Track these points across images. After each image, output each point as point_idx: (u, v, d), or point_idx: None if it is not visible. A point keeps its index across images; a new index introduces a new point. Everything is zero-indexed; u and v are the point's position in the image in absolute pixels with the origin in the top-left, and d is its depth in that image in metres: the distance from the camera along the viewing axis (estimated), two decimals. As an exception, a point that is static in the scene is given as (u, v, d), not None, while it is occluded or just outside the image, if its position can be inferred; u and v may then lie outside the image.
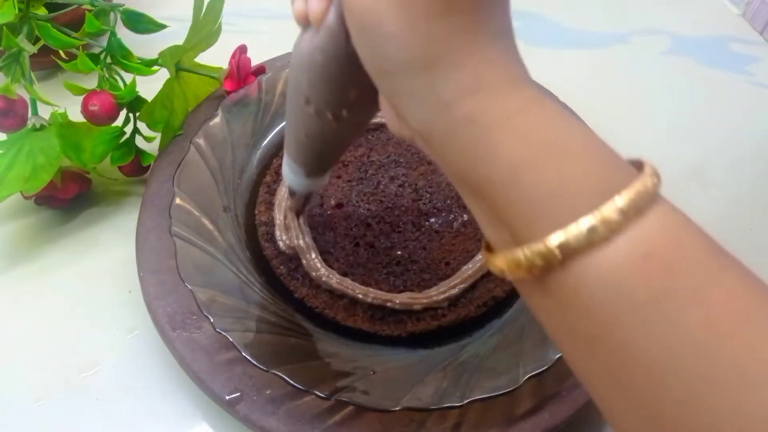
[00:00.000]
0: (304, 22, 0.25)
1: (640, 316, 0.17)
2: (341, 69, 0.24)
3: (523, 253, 0.19)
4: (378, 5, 0.20)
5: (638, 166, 0.19)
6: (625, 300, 0.17)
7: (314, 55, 0.24)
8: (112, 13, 0.42)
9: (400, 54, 0.20)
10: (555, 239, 0.18)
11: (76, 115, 0.42)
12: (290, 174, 0.33)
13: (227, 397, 0.32)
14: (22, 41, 0.39)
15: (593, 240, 0.18)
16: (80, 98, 0.41)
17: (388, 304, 0.37)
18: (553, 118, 0.20)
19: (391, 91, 0.21)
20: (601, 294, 0.18)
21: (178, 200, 0.40)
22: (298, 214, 0.38)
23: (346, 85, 0.24)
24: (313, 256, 0.39)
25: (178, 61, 0.43)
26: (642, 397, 0.18)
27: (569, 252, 0.18)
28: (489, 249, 0.22)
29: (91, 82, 0.42)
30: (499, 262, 0.20)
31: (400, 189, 0.43)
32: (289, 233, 0.39)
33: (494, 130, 0.19)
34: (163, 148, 0.43)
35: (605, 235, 0.18)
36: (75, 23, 0.43)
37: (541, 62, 0.55)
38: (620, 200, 0.18)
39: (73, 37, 0.41)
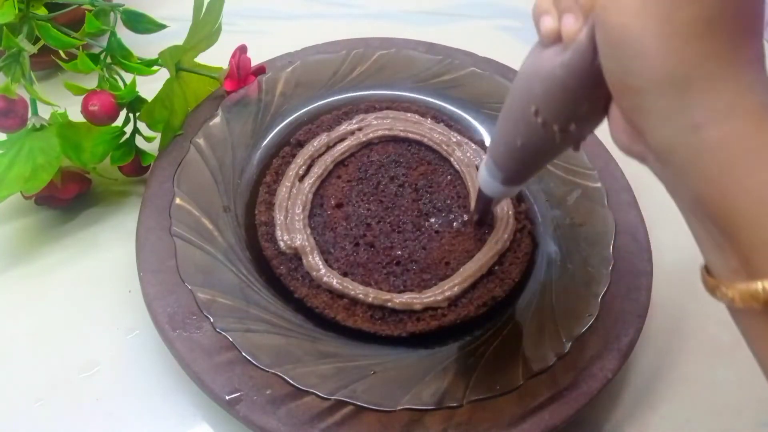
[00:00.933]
0: (554, 41, 0.25)
1: None
2: (581, 85, 0.24)
3: (762, 285, 0.19)
4: (635, 21, 0.20)
5: None
6: None
7: (557, 70, 0.24)
8: (112, 13, 0.42)
9: (653, 72, 0.20)
10: None
11: (76, 115, 0.42)
12: (487, 177, 0.33)
13: (227, 397, 0.33)
14: (22, 41, 0.39)
15: None
16: (80, 98, 0.41)
17: (388, 304, 0.37)
18: None
19: (634, 108, 0.21)
20: None
21: (178, 200, 0.40)
22: (479, 221, 0.38)
23: (581, 102, 0.25)
24: (313, 256, 0.39)
25: (178, 61, 0.43)
26: None
27: None
28: (709, 274, 0.22)
29: (91, 82, 0.42)
30: (730, 292, 0.20)
31: (400, 189, 0.43)
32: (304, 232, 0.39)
33: (745, 159, 0.19)
34: (163, 148, 0.43)
35: None
36: (75, 23, 0.43)
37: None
38: None
39: (73, 37, 0.41)
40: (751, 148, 0.19)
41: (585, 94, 0.24)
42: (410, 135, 0.45)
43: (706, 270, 0.22)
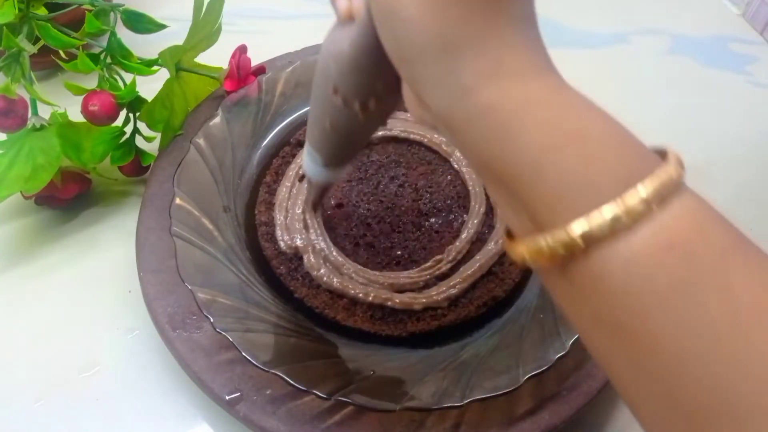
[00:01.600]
0: (348, 19, 0.25)
1: (662, 304, 0.17)
2: (370, 60, 0.24)
3: (545, 241, 0.19)
4: None
5: (662, 154, 0.19)
6: (648, 288, 0.17)
7: (345, 46, 0.25)
8: (112, 13, 0.42)
9: (419, 38, 0.20)
10: (578, 228, 0.18)
11: (76, 115, 0.42)
12: (309, 163, 0.33)
13: (227, 397, 0.32)
14: (22, 41, 0.39)
15: (616, 229, 0.18)
16: (80, 98, 0.41)
17: (389, 303, 0.37)
18: (576, 106, 0.20)
19: (412, 77, 0.21)
20: (623, 282, 0.18)
21: (178, 200, 0.40)
22: (314, 207, 0.38)
23: (374, 76, 0.25)
24: (313, 256, 0.39)
25: (178, 61, 0.43)
26: (663, 382, 0.18)
27: (592, 241, 0.18)
28: (510, 236, 0.22)
29: (91, 82, 0.42)
30: (521, 250, 0.20)
31: (400, 189, 0.43)
32: (304, 230, 0.39)
33: (515, 117, 0.19)
34: (163, 148, 0.43)
35: (628, 224, 0.18)
36: (75, 23, 0.43)
37: (541, 62, 0.55)
38: (643, 189, 0.18)
39: (73, 37, 0.41)
40: (518, 106, 0.19)
41: (375, 70, 0.24)
42: (411, 135, 0.45)
43: (507, 234, 0.22)
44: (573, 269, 0.19)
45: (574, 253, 0.18)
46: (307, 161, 0.33)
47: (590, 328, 0.20)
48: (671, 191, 0.18)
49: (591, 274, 0.18)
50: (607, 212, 0.18)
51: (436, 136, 0.46)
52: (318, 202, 0.38)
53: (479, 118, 0.20)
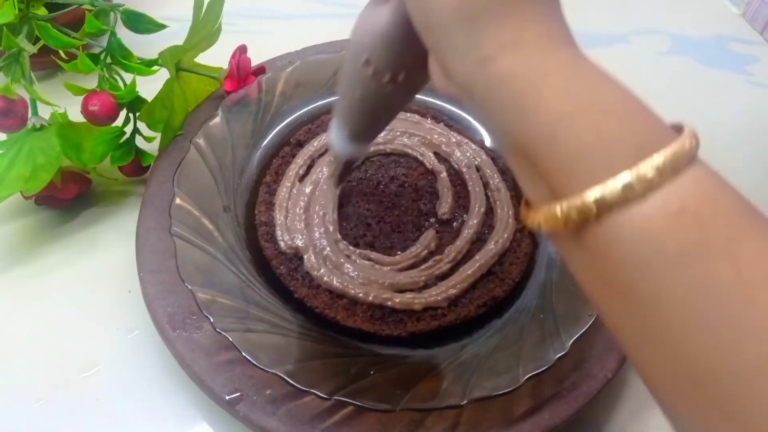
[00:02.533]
0: None
1: (670, 269, 0.18)
2: (402, 34, 0.25)
3: (560, 207, 0.19)
4: None
5: (678, 129, 0.20)
6: (657, 253, 0.18)
7: (381, 20, 0.26)
8: (112, 13, 0.42)
9: (443, 9, 0.21)
10: (591, 194, 0.18)
11: (76, 115, 0.42)
12: (336, 136, 0.34)
13: (227, 397, 0.32)
14: (22, 41, 0.39)
15: (628, 196, 0.18)
16: (80, 98, 0.41)
17: (389, 303, 0.37)
18: (593, 77, 0.20)
19: (436, 46, 0.22)
20: (633, 248, 0.18)
21: (178, 200, 0.40)
22: (338, 182, 0.38)
23: (405, 50, 0.26)
24: (314, 256, 0.39)
25: (178, 61, 0.43)
26: (671, 346, 0.18)
27: (605, 207, 0.18)
28: (527, 205, 0.22)
29: (91, 82, 0.42)
30: (537, 216, 0.21)
31: (400, 189, 0.43)
32: (305, 229, 0.39)
33: (533, 86, 0.20)
34: (163, 148, 0.43)
35: (641, 192, 0.18)
36: (75, 23, 0.43)
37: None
38: (658, 158, 0.18)
39: (73, 37, 0.41)
40: (538, 75, 0.20)
41: (406, 44, 0.26)
42: (408, 150, 0.45)
43: (525, 203, 0.23)
44: (586, 235, 0.19)
45: (587, 219, 0.19)
46: (333, 135, 0.34)
47: (602, 293, 0.20)
48: (685, 162, 0.18)
49: (603, 239, 0.19)
50: (620, 180, 0.18)
51: (435, 136, 0.46)
52: (342, 177, 0.38)
53: (498, 86, 0.20)
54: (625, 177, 0.18)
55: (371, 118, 0.32)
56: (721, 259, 0.17)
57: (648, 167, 0.18)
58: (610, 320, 0.21)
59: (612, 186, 0.18)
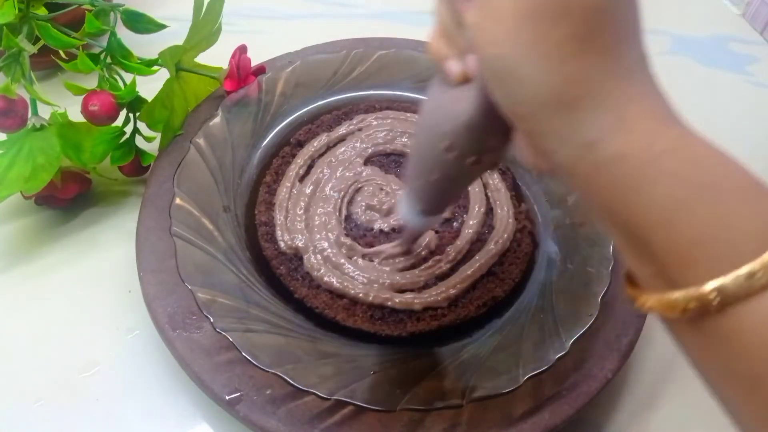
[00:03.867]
0: (463, 81, 0.25)
1: None
2: (488, 120, 0.25)
3: (678, 295, 0.19)
4: (511, 51, 0.20)
5: None
6: None
7: (463, 108, 0.25)
8: (112, 13, 0.42)
9: (538, 97, 0.20)
10: (712, 284, 0.18)
11: (76, 115, 0.42)
12: (408, 212, 0.34)
13: (227, 397, 0.32)
14: (22, 41, 0.39)
15: (753, 287, 0.18)
16: (80, 98, 0.41)
17: (389, 303, 0.37)
18: (707, 156, 0.20)
19: (531, 132, 0.22)
20: (761, 337, 0.18)
21: (178, 200, 0.40)
22: (408, 252, 0.39)
23: (489, 134, 0.25)
24: (313, 256, 0.39)
25: (178, 61, 0.43)
26: None
27: (728, 298, 0.18)
28: (631, 281, 0.22)
29: (91, 82, 0.42)
30: (651, 303, 0.20)
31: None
32: (305, 230, 0.39)
33: (645, 169, 0.19)
34: (163, 148, 0.43)
35: (765, 283, 0.17)
36: (75, 23, 0.43)
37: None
38: None
39: (73, 37, 0.41)
40: (647, 159, 0.19)
41: (491, 128, 0.25)
42: (408, 150, 0.45)
43: (628, 278, 0.22)
44: (706, 324, 0.19)
45: (707, 309, 0.18)
46: (405, 210, 0.34)
47: (722, 380, 0.20)
48: None
49: (726, 328, 0.18)
50: (744, 270, 0.18)
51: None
52: (412, 246, 0.39)
53: (604, 170, 0.20)
54: (750, 267, 0.18)
55: (448, 194, 0.32)
56: None
57: None
58: (729, 405, 0.20)
59: (735, 277, 0.18)
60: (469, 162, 0.27)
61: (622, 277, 0.23)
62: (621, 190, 0.20)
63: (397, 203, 0.35)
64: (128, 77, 0.43)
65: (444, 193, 0.32)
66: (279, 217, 0.41)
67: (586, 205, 0.22)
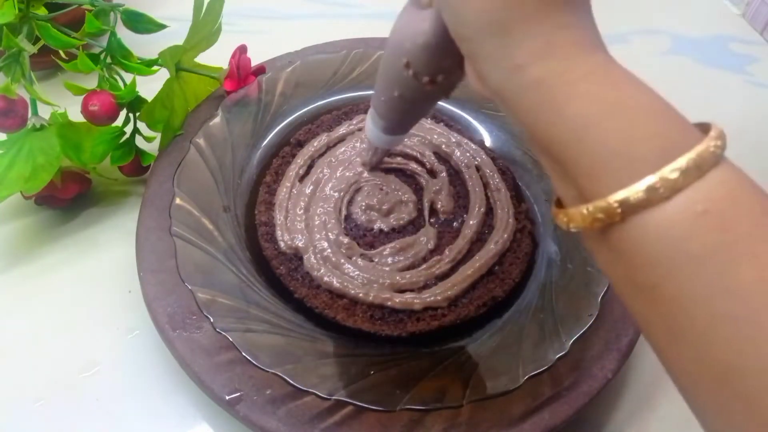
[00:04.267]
0: (427, 5, 0.27)
1: (693, 268, 0.18)
2: (442, 41, 0.26)
3: (586, 208, 0.20)
4: None
5: (705, 129, 0.20)
6: (680, 253, 0.18)
7: (422, 27, 0.27)
8: (112, 13, 0.42)
9: (477, 20, 0.22)
10: (616, 196, 0.19)
11: (76, 115, 0.42)
12: (372, 128, 0.36)
13: (227, 397, 0.33)
14: (22, 41, 0.39)
15: (652, 198, 0.19)
16: (80, 98, 0.41)
17: (389, 303, 0.37)
18: (620, 81, 0.21)
19: (471, 54, 0.23)
20: (657, 248, 0.19)
21: (178, 200, 0.40)
22: (372, 168, 0.42)
23: (443, 55, 0.27)
24: (313, 256, 0.39)
25: (178, 61, 0.43)
26: (695, 344, 0.19)
27: (629, 209, 0.19)
28: (558, 205, 0.23)
29: (91, 82, 0.42)
30: (566, 218, 0.22)
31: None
32: (305, 230, 0.40)
33: (561, 92, 0.21)
34: (163, 148, 0.43)
35: (665, 194, 0.19)
36: (75, 23, 0.43)
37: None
38: (682, 161, 0.19)
39: (73, 37, 0.41)
40: (567, 81, 0.21)
41: (445, 49, 0.27)
42: (408, 150, 0.45)
43: (557, 202, 0.23)
44: (612, 235, 0.20)
45: (612, 220, 0.20)
46: (369, 126, 0.37)
47: (628, 291, 0.21)
48: (710, 164, 0.19)
49: (628, 239, 0.20)
50: (644, 183, 0.19)
51: (435, 136, 0.46)
52: (376, 164, 0.42)
53: (528, 92, 0.21)
54: (649, 180, 0.18)
55: (408, 114, 0.34)
56: (743, 259, 0.18)
57: (672, 170, 0.18)
58: (638, 318, 0.21)
59: (636, 189, 0.19)
60: (424, 81, 0.29)
61: (552, 204, 0.24)
62: (540, 112, 0.21)
63: (365, 123, 0.37)
64: (128, 77, 0.43)
65: (404, 113, 0.34)
66: (279, 217, 0.41)
67: (515, 126, 0.24)
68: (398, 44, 0.29)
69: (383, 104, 0.33)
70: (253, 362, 0.34)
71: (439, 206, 0.42)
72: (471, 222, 0.41)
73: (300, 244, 0.40)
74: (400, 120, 0.35)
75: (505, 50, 0.21)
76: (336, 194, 0.42)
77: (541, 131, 0.21)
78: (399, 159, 0.45)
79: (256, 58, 0.47)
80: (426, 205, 0.42)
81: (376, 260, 0.39)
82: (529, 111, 0.22)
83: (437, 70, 0.29)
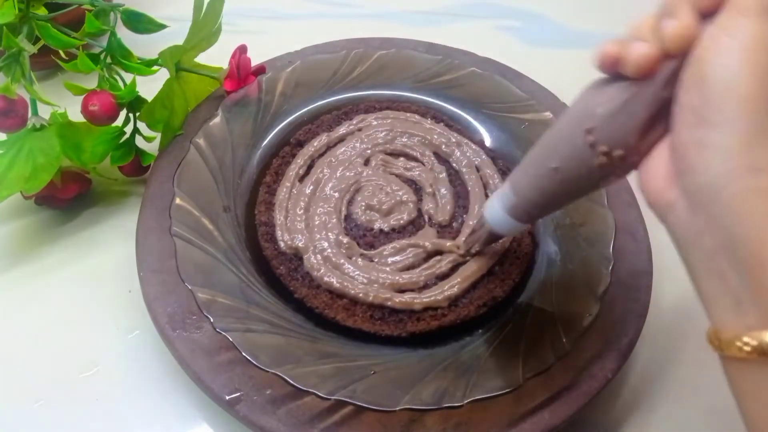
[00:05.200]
0: (646, 75, 0.25)
1: None
2: (644, 115, 0.25)
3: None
4: (738, 63, 0.21)
5: None
6: None
7: (626, 93, 0.25)
8: (112, 13, 0.42)
9: (740, 110, 0.21)
10: None
11: (76, 115, 0.42)
12: (497, 206, 0.33)
13: (227, 397, 0.33)
14: (22, 41, 0.39)
15: None
16: (80, 98, 0.41)
17: (388, 303, 0.37)
18: None
19: (696, 142, 0.22)
20: None
21: (178, 200, 0.40)
22: (474, 255, 0.38)
23: (638, 131, 0.25)
24: (313, 256, 0.39)
25: (178, 61, 0.43)
26: None
27: None
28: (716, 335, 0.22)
29: (91, 82, 0.42)
30: (754, 342, 0.21)
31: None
32: (305, 230, 0.39)
33: None
34: (163, 148, 0.43)
35: None
36: (75, 23, 0.43)
37: (541, 62, 0.55)
38: None
39: (73, 37, 0.41)
40: None
41: (644, 125, 0.25)
42: (408, 151, 0.45)
43: (714, 333, 0.22)
44: None
45: None
46: (494, 204, 0.33)
47: None
48: None
49: None
50: None
51: (435, 136, 0.45)
52: (474, 251, 0.38)
53: (756, 197, 0.20)
54: None
55: (549, 196, 0.30)
56: None
57: None
58: None
59: None
60: (600, 150, 0.26)
61: (708, 333, 0.23)
62: (761, 220, 0.20)
63: (488, 200, 0.33)
64: (128, 77, 0.43)
65: (546, 195, 0.30)
66: (279, 217, 0.41)
67: (692, 244, 0.22)
68: (586, 111, 0.27)
69: (530, 178, 0.30)
70: (253, 362, 0.34)
71: (439, 218, 0.42)
72: (471, 222, 0.41)
73: (300, 244, 0.40)
74: (537, 202, 0.31)
75: (749, 149, 0.20)
76: (336, 194, 0.42)
77: (749, 240, 0.20)
78: (402, 160, 0.45)
79: (256, 58, 0.47)
80: (426, 209, 0.42)
81: (376, 260, 0.39)
82: (745, 217, 0.20)
83: (620, 144, 0.26)
